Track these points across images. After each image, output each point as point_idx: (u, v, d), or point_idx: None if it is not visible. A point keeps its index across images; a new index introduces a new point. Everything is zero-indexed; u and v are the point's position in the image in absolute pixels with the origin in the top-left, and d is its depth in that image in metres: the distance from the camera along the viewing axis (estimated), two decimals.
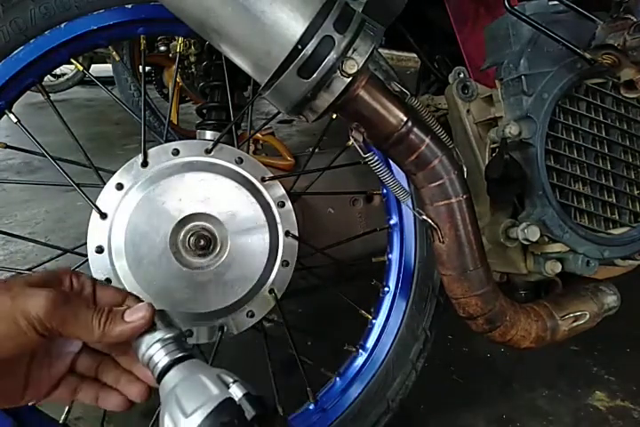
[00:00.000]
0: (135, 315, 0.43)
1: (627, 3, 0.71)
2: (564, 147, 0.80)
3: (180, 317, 0.74)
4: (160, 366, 0.40)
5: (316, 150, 0.93)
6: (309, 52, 0.52)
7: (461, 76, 0.84)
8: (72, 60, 0.76)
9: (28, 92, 0.76)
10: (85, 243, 0.73)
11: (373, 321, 0.90)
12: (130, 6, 0.73)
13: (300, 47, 0.52)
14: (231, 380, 0.38)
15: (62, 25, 0.71)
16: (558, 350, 1.21)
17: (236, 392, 0.36)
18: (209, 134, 0.92)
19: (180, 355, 0.41)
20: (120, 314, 0.43)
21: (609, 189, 0.84)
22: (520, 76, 0.77)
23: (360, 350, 0.89)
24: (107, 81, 1.06)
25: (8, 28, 0.70)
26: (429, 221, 0.68)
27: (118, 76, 2.18)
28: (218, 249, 0.76)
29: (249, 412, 0.35)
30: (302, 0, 0.52)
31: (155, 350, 0.41)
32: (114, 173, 0.74)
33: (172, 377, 0.39)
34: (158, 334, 0.42)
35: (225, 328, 0.76)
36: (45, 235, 1.87)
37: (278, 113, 0.75)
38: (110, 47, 0.79)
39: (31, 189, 2.21)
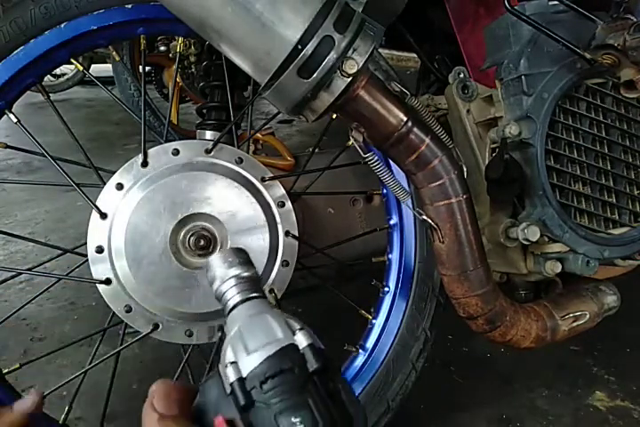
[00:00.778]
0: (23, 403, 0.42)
1: (627, 3, 0.71)
2: (564, 147, 0.80)
3: (180, 316, 0.74)
4: (231, 303, 0.40)
5: (316, 150, 0.93)
6: (309, 52, 0.52)
7: (461, 76, 0.84)
8: (72, 60, 0.76)
9: (28, 92, 0.76)
10: (85, 243, 0.73)
11: (373, 321, 0.90)
12: (130, 6, 0.73)
13: (299, 47, 0.52)
14: (298, 326, 0.36)
15: (62, 25, 0.71)
16: (558, 350, 1.21)
17: (301, 341, 0.35)
18: (209, 134, 0.92)
19: (251, 295, 0.40)
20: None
21: (609, 189, 0.84)
22: (520, 76, 0.77)
23: (360, 350, 0.89)
24: (107, 81, 1.06)
25: (8, 28, 0.70)
26: (429, 221, 0.68)
27: (118, 76, 2.18)
28: (218, 249, 0.76)
29: (310, 363, 0.33)
30: (302, 0, 0.52)
31: (228, 286, 0.40)
32: (114, 173, 0.74)
33: (240, 313, 0.39)
34: (234, 271, 0.41)
35: (225, 328, 0.76)
36: (45, 235, 1.87)
37: (278, 113, 0.75)
38: (110, 47, 0.79)
39: (31, 189, 2.21)
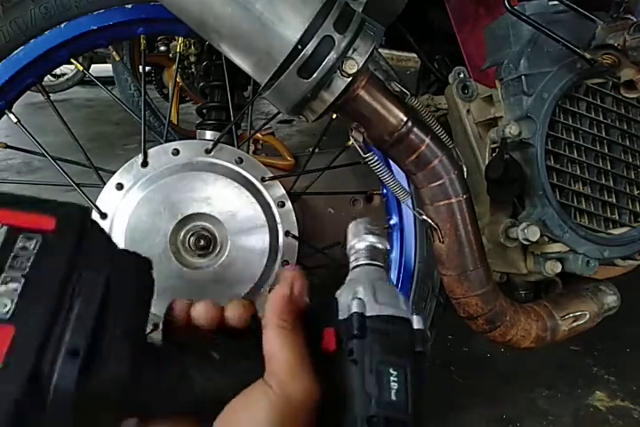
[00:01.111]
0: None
1: (627, 3, 0.71)
2: (564, 147, 0.80)
3: None
4: (362, 261, 0.42)
5: (316, 150, 0.93)
6: (309, 52, 0.52)
7: (461, 76, 0.84)
8: (72, 60, 0.76)
9: (28, 92, 0.76)
10: None
11: None
12: (130, 6, 0.73)
13: (299, 47, 0.52)
14: (414, 311, 0.38)
15: (62, 25, 0.71)
16: (558, 350, 1.21)
17: (417, 323, 0.36)
18: (209, 134, 0.92)
19: (377, 263, 0.42)
20: None
21: (609, 189, 0.84)
22: (520, 76, 0.77)
23: None
24: (107, 81, 1.06)
25: (8, 28, 0.70)
26: (429, 221, 0.68)
27: (118, 76, 2.18)
28: (218, 249, 0.76)
29: (417, 345, 0.35)
30: (302, 0, 0.52)
31: (359, 247, 0.42)
32: (114, 173, 0.74)
33: (373, 271, 0.41)
34: (371, 239, 0.43)
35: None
36: None
37: (278, 113, 0.75)
38: (110, 47, 0.79)
39: (31, 189, 2.20)
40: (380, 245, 0.43)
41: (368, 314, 0.35)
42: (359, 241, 0.43)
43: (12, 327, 0.29)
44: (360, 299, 0.36)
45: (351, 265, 0.42)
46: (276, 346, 0.34)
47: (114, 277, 0.33)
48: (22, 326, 0.29)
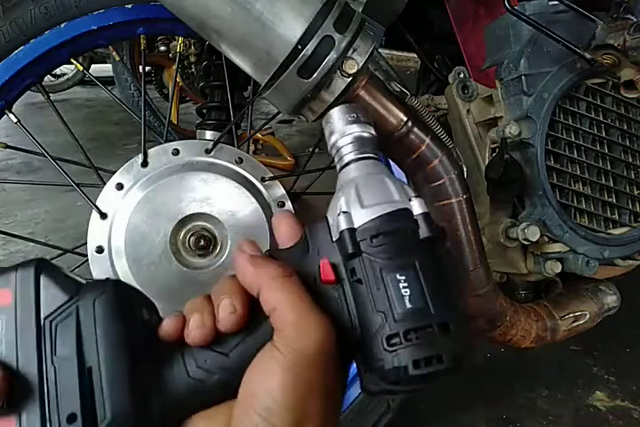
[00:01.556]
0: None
1: (627, 3, 0.71)
2: (564, 147, 0.80)
3: None
4: (346, 158, 0.37)
5: (316, 150, 0.93)
6: (309, 52, 0.52)
7: (461, 76, 0.84)
8: (72, 60, 0.76)
9: (28, 92, 0.76)
10: (85, 243, 0.73)
11: None
12: (130, 6, 0.73)
13: (300, 47, 0.52)
14: (413, 194, 0.34)
15: (62, 25, 0.71)
16: (558, 350, 1.21)
17: (417, 207, 0.33)
18: (209, 134, 0.92)
19: (369, 155, 0.37)
20: None
21: (609, 189, 0.84)
22: (520, 76, 0.77)
23: None
24: (107, 81, 1.06)
25: (8, 28, 0.70)
26: None
27: (118, 76, 2.18)
28: (218, 249, 0.76)
29: (423, 230, 0.32)
30: (302, 0, 0.52)
31: (346, 141, 0.38)
32: (114, 173, 0.74)
33: (356, 168, 0.37)
34: (355, 128, 0.38)
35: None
36: (45, 235, 1.87)
37: (278, 113, 0.75)
38: (110, 47, 0.79)
39: (31, 189, 2.21)
40: (365, 134, 0.38)
41: (356, 226, 0.32)
42: (341, 136, 0.38)
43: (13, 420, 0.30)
44: (345, 212, 0.33)
45: (337, 168, 0.38)
46: (272, 302, 0.31)
47: (83, 317, 0.32)
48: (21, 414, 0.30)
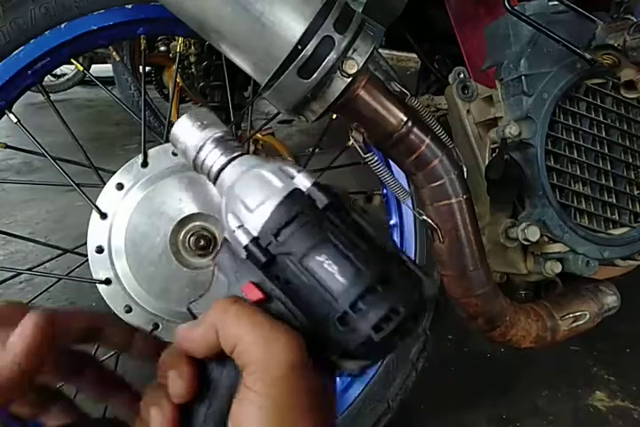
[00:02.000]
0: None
1: (627, 3, 0.71)
2: (564, 147, 0.80)
3: (180, 317, 0.74)
4: (215, 169, 0.36)
5: (316, 150, 0.93)
6: (309, 52, 0.52)
7: (461, 76, 0.84)
8: (72, 60, 0.76)
9: (28, 92, 0.76)
10: (85, 243, 0.73)
11: None
12: (130, 6, 0.73)
13: (299, 47, 0.52)
14: (294, 170, 0.33)
15: (62, 25, 0.71)
16: (558, 350, 1.21)
17: (303, 182, 0.32)
18: None
19: (235, 154, 0.35)
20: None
21: (609, 189, 0.84)
22: (520, 77, 0.77)
23: None
24: (107, 81, 1.06)
25: (8, 28, 0.70)
26: (429, 221, 0.67)
27: (118, 76, 2.18)
28: (218, 249, 0.76)
29: (320, 201, 0.31)
30: (302, 0, 0.52)
31: (207, 151, 0.36)
32: (114, 173, 0.74)
33: (228, 175, 0.35)
34: (208, 133, 0.36)
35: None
36: (45, 235, 1.87)
37: (278, 113, 0.75)
38: (110, 47, 0.79)
39: (31, 189, 2.21)
40: (220, 133, 0.36)
41: (256, 234, 0.31)
42: (198, 150, 0.35)
43: None
44: (240, 226, 0.32)
45: (211, 181, 0.36)
46: (232, 340, 0.29)
47: None
48: None
